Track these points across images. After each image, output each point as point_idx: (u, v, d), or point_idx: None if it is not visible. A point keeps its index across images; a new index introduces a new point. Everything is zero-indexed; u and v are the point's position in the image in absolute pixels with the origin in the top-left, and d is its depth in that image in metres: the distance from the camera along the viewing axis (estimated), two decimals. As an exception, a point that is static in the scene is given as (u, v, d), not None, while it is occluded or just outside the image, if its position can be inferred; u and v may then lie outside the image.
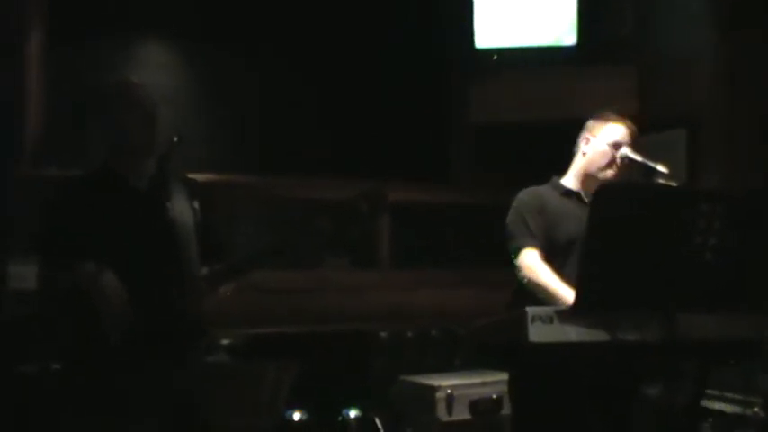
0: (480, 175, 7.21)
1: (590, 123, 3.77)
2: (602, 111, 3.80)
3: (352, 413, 5.38)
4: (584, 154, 3.73)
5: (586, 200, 3.62)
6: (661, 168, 3.40)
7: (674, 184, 3.42)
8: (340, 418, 5.36)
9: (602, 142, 3.68)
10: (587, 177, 3.69)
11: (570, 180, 3.76)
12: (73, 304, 3.11)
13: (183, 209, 3.27)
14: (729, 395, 4.39)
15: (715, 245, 2.92)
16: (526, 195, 3.72)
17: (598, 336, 2.97)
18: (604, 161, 3.65)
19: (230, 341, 5.03)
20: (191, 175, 3.51)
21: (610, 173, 3.64)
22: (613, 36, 6.62)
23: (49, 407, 4.12)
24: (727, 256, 2.95)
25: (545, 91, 6.55)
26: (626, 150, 3.58)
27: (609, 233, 2.91)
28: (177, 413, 3.12)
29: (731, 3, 5.85)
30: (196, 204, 3.35)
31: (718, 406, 4.40)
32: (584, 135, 3.76)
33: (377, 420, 5.41)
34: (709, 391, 4.03)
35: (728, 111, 5.79)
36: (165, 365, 3.09)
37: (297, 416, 5.09)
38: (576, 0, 6.59)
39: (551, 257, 3.52)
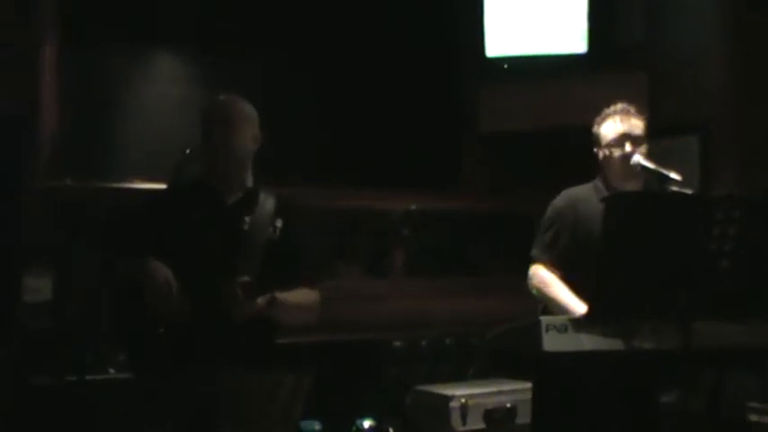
0: (491, 184, 7.20)
1: (593, 131, 3.73)
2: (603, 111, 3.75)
3: (366, 423, 5.37)
4: (600, 166, 3.70)
5: None
6: (674, 175, 3.32)
7: (687, 191, 3.39)
8: (354, 428, 5.36)
9: (604, 150, 3.65)
10: (611, 186, 3.64)
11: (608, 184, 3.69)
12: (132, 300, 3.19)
13: (261, 224, 3.34)
14: (749, 404, 4.37)
15: (730, 251, 2.91)
16: (562, 202, 3.69)
17: (613, 344, 2.97)
18: (614, 170, 3.61)
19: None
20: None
21: (625, 183, 3.55)
22: (624, 43, 6.61)
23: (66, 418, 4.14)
24: (742, 263, 2.94)
25: (555, 99, 6.54)
26: (638, 158, 3.53)
27: (623, 241, 2.90)
28: (182, 418, 3.16)
29: (743, 7, 5.83)
30: (279, 222, 3.39)
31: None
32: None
33: (391, 430, 5.41)
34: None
35: (741, 116, 5.77)
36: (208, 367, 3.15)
37: (311, 426, 5.09)
38: (587, 8, 6.59)
39: (583, 267, 3.37)
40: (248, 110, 3.50)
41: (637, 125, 3.64)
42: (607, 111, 3.71)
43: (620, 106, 3.70)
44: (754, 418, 4.33)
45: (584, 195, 3.67)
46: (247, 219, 3.32)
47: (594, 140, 3.70)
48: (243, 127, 3.42)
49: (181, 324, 3.14)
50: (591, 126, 3.74)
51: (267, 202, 3.40)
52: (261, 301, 3.23)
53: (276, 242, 3.35)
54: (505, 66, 6.74)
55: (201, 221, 3.31)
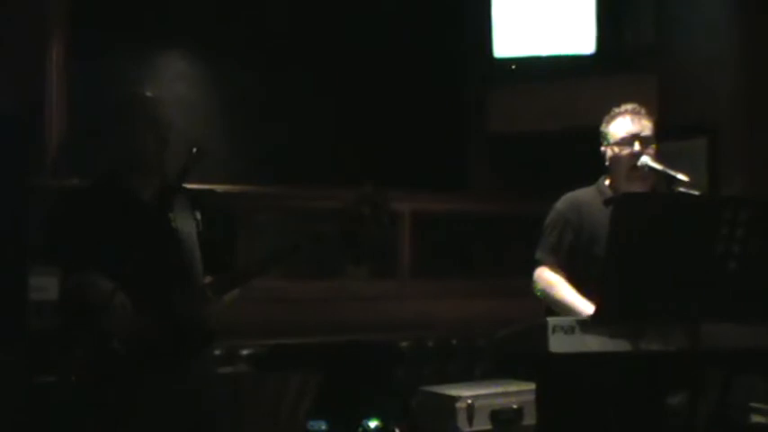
0: (497, 185, 7.20)
1: (601, 129, 3.68)
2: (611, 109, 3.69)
3: (373, 424, 5.37)
4: (606, 165, 3.66)
5: None
6: (681, 177, 3.30)
7: (695, 192, 3.37)
8: (360, 429, 5.35)
9: (612, 148, 3.59)
10: (617, 187, 3.61)
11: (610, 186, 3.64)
12: (84, 315, 3.15)
13: (185, 219, 3.29)
14: (756, 405, 4.35)
15: (738, 252, 2.90)
16: (565, 205, 3.64)
17: (620, 346, 2.95)
18: (621, 169, 3.56)
19: (251, 351, 5.04)
20: (208, 186, 3.53)
21: (632, 184, 3.50)
22: (633, 45, 6.59)
23: (64, 419, 4.13)
24: (750, 264, 2.92)
25: (563, 100, 6.53)
26: (646, 159, 3.50)
27: (630, 243, 2.89)
28: (184, 422, 3.14)
29: (753, 10, 5.81)
30: (198, 215, 3.36)
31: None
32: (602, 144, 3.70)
33: (397, 431, 5.40)
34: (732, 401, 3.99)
35: (749, 118, 5.75)
36: (170, 374, 3.13)
37: (318, 426, 5.09)
38: (595, 8, 6.57)
39: (589, 272, 3.33)
40: (161, 108, 3.40)
41: (647, 126, 3.59)
42: (617, 109, 3.66)
43: (630, 106, 3.65)
44: (757, 418, 4.32)
45: (586, 198, 3.64)
46: (171, 215, 3.24)
47: (603, 138, 3.65)
48: (164, 123, 3.33)
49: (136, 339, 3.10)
50: (599, 124, 3.70)
51: (180, 197, 3.32)
52: (229, 297, 3.24)
53: (201, 234, 3.32)
54: (513, 67, 6.72)
55: (130, 224, 3.22)
